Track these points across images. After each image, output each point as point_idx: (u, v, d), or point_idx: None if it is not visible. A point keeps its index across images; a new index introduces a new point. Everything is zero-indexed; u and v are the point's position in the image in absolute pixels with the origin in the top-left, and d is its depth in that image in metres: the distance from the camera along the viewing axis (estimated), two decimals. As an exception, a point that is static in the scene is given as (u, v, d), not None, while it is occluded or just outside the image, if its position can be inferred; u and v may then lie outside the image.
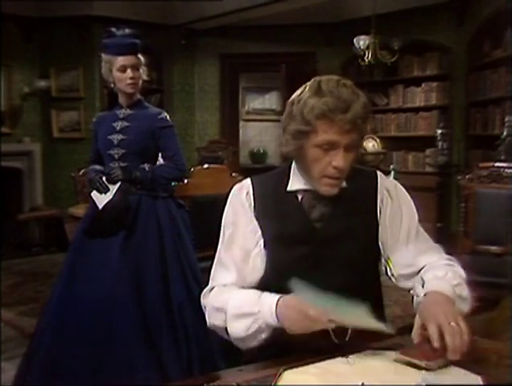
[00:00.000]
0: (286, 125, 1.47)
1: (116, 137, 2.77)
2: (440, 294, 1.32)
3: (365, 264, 1.52)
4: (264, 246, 1.51)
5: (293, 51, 7.03)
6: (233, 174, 3.55)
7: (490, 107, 5.53)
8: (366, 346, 1.33)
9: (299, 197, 1.52)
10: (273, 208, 1.52)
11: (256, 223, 1.52)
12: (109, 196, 2.69)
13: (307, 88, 1.44)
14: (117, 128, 2.78)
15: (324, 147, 1.41)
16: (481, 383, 1.16)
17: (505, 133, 4.68)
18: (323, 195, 1.47)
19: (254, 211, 1.52)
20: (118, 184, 2.70)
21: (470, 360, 1.21)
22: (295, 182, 1.53)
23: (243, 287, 1.48)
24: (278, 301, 1.34)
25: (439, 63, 6.28)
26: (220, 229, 1.57)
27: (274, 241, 1.50)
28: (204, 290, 1.54)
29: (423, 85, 6.40)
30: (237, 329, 1.39)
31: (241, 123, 8.60)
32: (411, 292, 1.48)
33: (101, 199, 2.71)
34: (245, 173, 4.11)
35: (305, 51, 7.06)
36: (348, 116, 1.37)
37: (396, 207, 1.53)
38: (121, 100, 2.86)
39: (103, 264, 2.65)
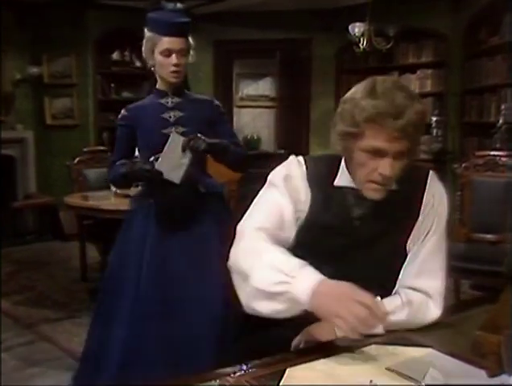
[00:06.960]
0: (335, 123, 1.42)
1: (173, 130, 2.47)
2: None
3: (393, 263, 1.51)
4: (302, 225, 1.48)
5: (288, 37, 6.97)
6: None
7: (486, 94, 5.52)
8: (371, 341, 1.33)
9: (345, 192, 1.48)
10: (320, 197, 1.48)
11: (298, 202, 1.48)
12: (182, 167, 2.36)
13: (362, 87, 1.37)
14: (171, 119, 2.49)
15: (371, 153, 1.36)
16: (486, 377, 1.17)
17: (501, 121, 4.69)
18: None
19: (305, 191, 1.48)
20: (189, 156, 2.35)
21: (475, 354, 1.22)
22: (343, 179, 1.48)
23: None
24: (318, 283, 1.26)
25: (435, 50, 6.25)
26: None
27: (314, 226, 1.48)
28: (241, 224, 1.48)
29: (418, 72, 6.37)
30: (261, 307, 1.34)
31: (235, 109, 8.55)
32: None
33: (170, 170, 2.37)
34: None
35: (300, 38, 7.00)
36: (398, 123, 1.30)
37: (432, 217, 1.49)
38: (163, 86, 2.52)
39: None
